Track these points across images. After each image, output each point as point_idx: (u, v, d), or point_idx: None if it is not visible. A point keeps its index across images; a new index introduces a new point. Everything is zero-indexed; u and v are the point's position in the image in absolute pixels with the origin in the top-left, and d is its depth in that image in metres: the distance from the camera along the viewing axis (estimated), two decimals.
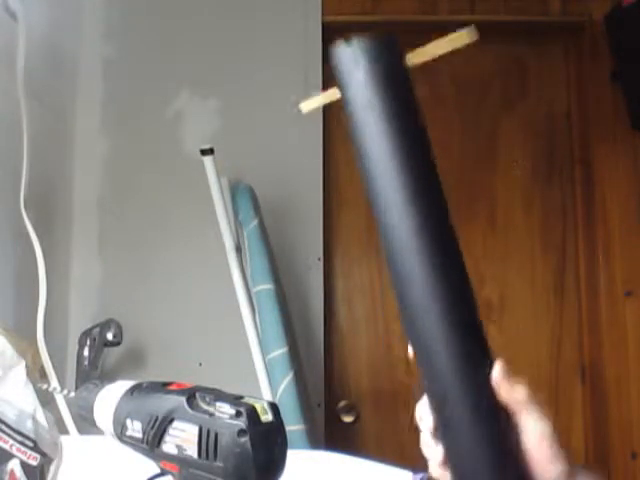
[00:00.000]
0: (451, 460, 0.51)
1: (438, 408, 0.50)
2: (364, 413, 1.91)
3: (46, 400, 0.77)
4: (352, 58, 0.51)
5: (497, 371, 0.50)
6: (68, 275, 1.78)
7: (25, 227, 1.30)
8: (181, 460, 0.52)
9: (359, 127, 0.51)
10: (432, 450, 0.53)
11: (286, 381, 1.42)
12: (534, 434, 0.50)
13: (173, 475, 0.54)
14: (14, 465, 0.61)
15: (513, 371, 0.50)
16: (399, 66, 0.52)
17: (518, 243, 1.96)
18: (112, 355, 1.69)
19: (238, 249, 1.53)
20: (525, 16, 1.95)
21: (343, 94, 0.52)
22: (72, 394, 0.72)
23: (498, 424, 0.50)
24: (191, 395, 0.53)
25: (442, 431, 0.51)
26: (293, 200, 1.81)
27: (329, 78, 2.07)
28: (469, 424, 0.49)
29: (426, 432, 0.53)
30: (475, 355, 0.50)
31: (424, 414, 0.53)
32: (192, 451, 0.51)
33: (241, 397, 0.52)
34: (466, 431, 0.49)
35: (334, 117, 1.94)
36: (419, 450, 0.55)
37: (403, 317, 0.51)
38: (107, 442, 0.61)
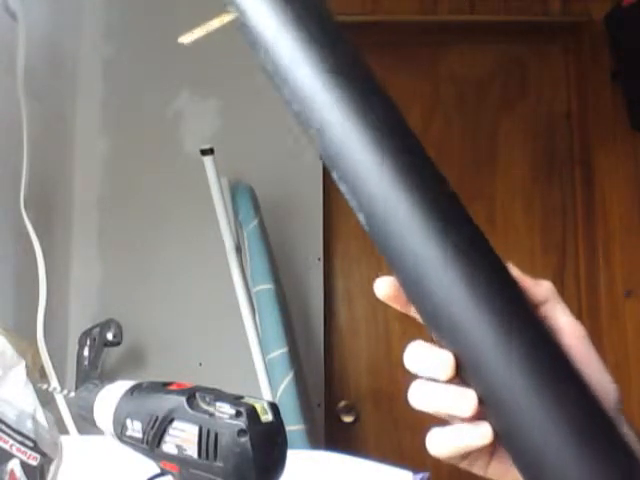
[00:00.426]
0: (496, 394, 0.36)
1: (456, 331, 0.37)
2: (364, 413, 1.91)
3: (46, 400, 0.77)
4: None
5: (513, 268, 0.40)
6: (68, 275, 1.78)
7: (25, 227, 1.30)
8: (181, 460, 0.52)
9: (266, 47, 0.40)
10: (455, 399, 0.37)
11: (286, 381, 1.42)
12: (572, 334, 0.39)
13: (173, 475, 0.54)
14: (14, 465, 0.61)
15: None
16: None
17: (518, 243, 1.96)
18: (112, 355, 1.69)
19: (238, 249, 1.53)
20: (525, 16, 1.95)
21: (238, 8, 0.41)
22: (72, 394, 0.72)
23: (541, 326, 0.37)
24: (191, 395, 0.53)
25: (473, 359, 0.36)
26: (293, 200, 1.81)
27: None
28: (512, 329, 0.36)
29: (440, 376, 0.38)
30: (483, 254, 0.38)
31: (426, 353, 0.38)
32: (192, 451, 0.51)
33: (241, 397, 0.52)
34: (512, 340, 0.35)
35: None
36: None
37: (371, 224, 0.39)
38: (107, 442, 0.61)
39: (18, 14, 1.32)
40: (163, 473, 0.55)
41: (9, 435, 0.61)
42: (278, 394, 1.42)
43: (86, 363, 1.51)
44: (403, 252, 0.37)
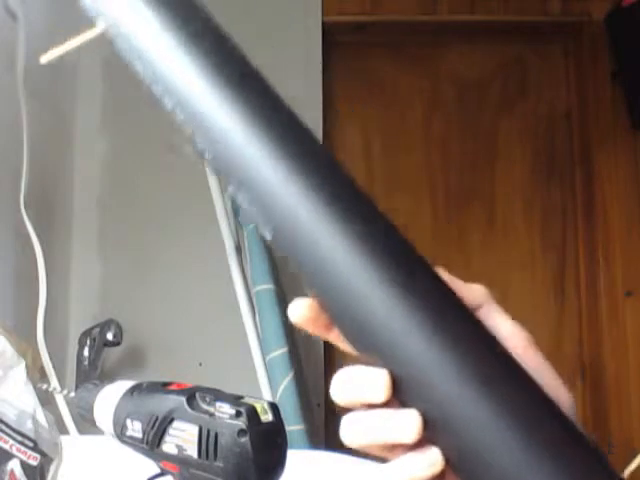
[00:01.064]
0: (443, 410, 0.32)
1: (391, 344, 0.32)
2: None
3: (46, 400, 0.77)
4: None
5: (444, 272, 0.35)
6: (68, 275, 1.78)
7: (25, 227, 1.30)
8: (181, 460, 0.52)
9: (146, 51, 0.36)
10: (397, 422, 0.33)
11: (286, 381, 1.42)
12: (516, 341, 0.36)
13: (173, 475, 0.54)
14: (14, 465, 0.61)
15: None
16: None
17: (518, 243, 1.96)
18: (112, 355, 1.69)
19: (238, 249, 1.53)
20: (525, 16, 1.95)
21: (104, 15, 0.37)
22: (72, 394, 0.72)
23: (486, 330, 0.34)
24: (191, 395, 0.53)
25: (414, 373, 0.32)
26: None
27: (329, 78, 2.04)
28: (450, 341, 0.32)
29: (376, 397, 0.33)
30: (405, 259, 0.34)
31: (357, 375, 0.34)
32: (192, 451, 0.51)
33: (241, 397, 0.52)
34: (452, 353, 0.31)
35: (334, 116, 1.94)
36: None
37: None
38: (107, 442, 0.61)
39: (18, 14, 1.32)
40: (163, 473, 0.55)
41: (9, 435, 0.62)
42: (278, 394, 1.42)
43: (86, 363, 1.51)
44: (322, 263, 0.33)
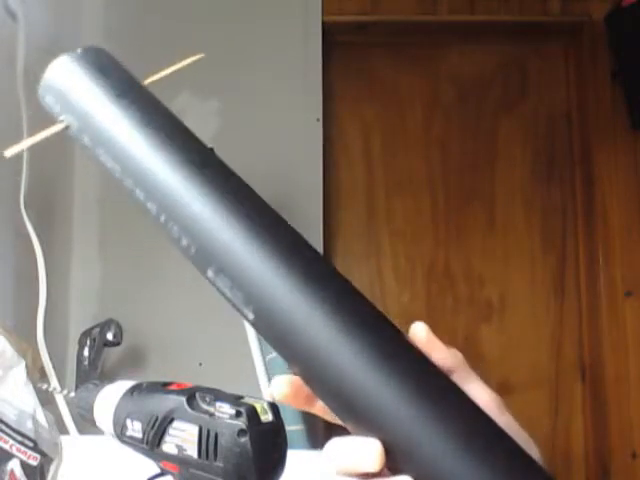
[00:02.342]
0: (438, 476, 0.32)
1: (380, 414, 0.33)
2: None
3: (46, 400, 0.77)
4: (66, 73, 0.47)
5: (424, 329, 0.36)
6: (68, 275, 1.78)
7: (25, 227, 1.30)
8: (181, 460, 0.52)
9: (111, 139, 0.42)
10: None
11: None
12: (490, 404, 0.36)
13: (173, 475, 0.54)
14: (14, 465, 0.61)
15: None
16: (116, 61, 0.47)
17: (518, 243, 1.96)
18: (112, 355, 1.68)
19: None
20: (525, 16, 1.95)
21: (73, 113, 0.44)
22: (72, 394, 0.72)
23: (464, 393, 0.34)
24: (191, 395, 0.53)
25: (406, 442, 0.33)
26: (293, 200, 1.81)
27: (329, 78, 2.04)
28: (435, 412, 0.32)
29: (370, 467, 0.34)
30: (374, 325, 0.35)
31: (350, 445, 0.35)
32: (192, 451, 0.51)
33: (241, 397, 0.52)
34: (435, 424, 0.32)
35: (334, 117, 1.94)
36: None
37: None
38: (107, 442, 0.61)
39: (18, 14, 1.32)
40: (163, 473, 0.55)
41: (9, 435, 0.62)
42: None
43: (86, 363, 1.51)
44: (306, 341, 0.35)
